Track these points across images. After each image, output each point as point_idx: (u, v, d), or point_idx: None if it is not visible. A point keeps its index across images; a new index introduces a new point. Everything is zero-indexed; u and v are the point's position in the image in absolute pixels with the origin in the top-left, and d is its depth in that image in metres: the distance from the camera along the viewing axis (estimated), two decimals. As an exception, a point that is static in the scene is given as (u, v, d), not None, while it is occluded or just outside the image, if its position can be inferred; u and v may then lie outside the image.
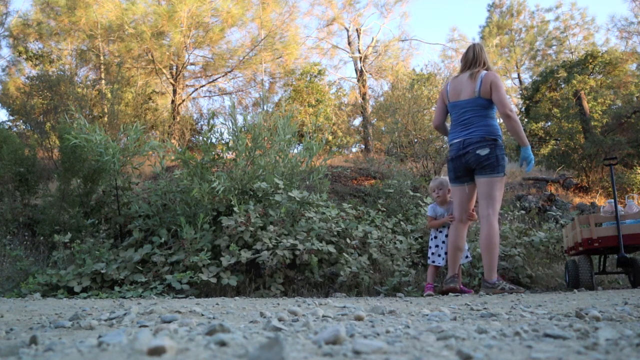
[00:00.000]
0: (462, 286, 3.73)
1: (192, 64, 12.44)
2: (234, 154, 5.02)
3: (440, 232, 3.97)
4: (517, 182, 9.25)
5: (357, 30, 15.52)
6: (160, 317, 1.59)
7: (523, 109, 12.40)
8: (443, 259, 3.86)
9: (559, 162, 9.62)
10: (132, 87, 10.35)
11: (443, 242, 3.91)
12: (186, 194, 4.78)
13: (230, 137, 5.09)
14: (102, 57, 11.24)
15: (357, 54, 15.16)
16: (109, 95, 9.35)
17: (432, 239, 4.01)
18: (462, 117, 3.52)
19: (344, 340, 1.01)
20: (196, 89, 13.26)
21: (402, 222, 5.25)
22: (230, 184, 4.64)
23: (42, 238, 4.93)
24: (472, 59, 3.57)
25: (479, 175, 3.45)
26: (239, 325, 1.43)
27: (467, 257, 3.91)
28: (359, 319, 1.61)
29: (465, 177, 3.54)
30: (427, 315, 1.75)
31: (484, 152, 3.38)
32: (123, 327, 1.43)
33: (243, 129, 5.17)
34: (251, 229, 4.11)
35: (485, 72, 3.49)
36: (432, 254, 3.94)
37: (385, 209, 5.84)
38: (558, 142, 9.99)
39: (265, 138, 5.13)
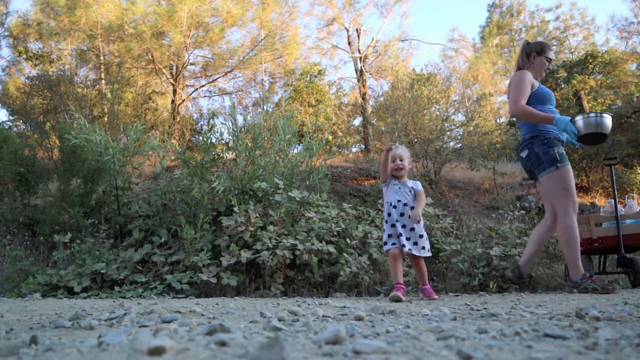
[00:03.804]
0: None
1: (192, 64, 12.44)
2: (234, 154, 5.02)
3: (395, 207, 3.28)
4: (517, 182, 9.25)
5: (357, 30, 15.51)
6: (160, 317, 1.58)
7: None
8: (402, 243, 3.21)
9: (559, 162, 9.59)
10: (132, 87, 10.36)
11: (397, 220, 3.23)
12: (186, 194, 4.78)
13: (230, 137, 5.09)
14: (102, 57, 11.24)
15: (357, 54, 15.14)
16: (109, 95, 9.36)
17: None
18: None
19: (344, 340, 1.01)
20: (196, 89, 13.26)
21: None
22: (230, 184, 4.64)
23: (42, 238, 4.93)
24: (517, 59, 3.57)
25: (536, 176, 3.37)
26: (239, 325, 1.43)
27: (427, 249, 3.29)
28: (359, 319, 1.61)
29: (532, 176, 3.45)
30: (427, 315, 1.75)
31: (524, 154, 3.37)
32: (123, 327, 1.43)
33: (243, 129, 5.17)
34: (251, 229, 4.11)
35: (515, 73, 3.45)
36: (389, 236, 3.24)
37: (385, 209, 5.83)
38: (558, 142, 9.97)
39: (265, 138, 5.13)
